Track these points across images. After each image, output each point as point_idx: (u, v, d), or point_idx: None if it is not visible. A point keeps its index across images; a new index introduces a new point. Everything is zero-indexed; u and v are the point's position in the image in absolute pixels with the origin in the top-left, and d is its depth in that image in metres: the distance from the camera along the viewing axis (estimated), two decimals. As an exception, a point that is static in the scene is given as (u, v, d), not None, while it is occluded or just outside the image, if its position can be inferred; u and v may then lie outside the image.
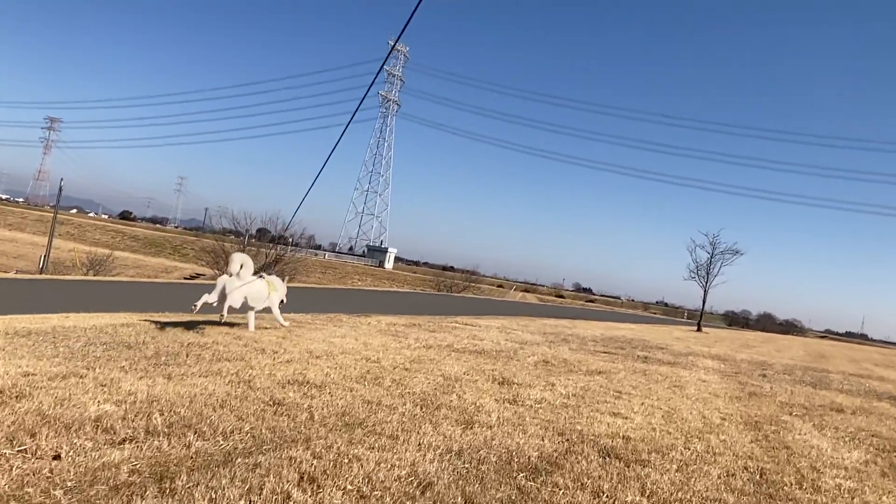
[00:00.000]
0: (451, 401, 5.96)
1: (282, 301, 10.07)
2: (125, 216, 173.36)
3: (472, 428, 5.04)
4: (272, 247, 59.31)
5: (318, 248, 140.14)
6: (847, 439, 6.54)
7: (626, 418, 6.16)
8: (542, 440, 4.93)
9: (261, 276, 9.48)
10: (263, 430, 4.31)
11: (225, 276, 8.90)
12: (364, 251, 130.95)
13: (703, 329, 39.45)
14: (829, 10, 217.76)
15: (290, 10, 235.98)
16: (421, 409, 5.51)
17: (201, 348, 7.33)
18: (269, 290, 9.58)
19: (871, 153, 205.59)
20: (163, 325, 8.87)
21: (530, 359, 10.14)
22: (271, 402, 5.08)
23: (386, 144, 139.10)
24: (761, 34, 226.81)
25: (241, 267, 8.96)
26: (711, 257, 39.17)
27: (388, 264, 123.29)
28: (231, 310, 8.81)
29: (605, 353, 13.06)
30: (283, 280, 10.36)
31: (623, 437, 5.37)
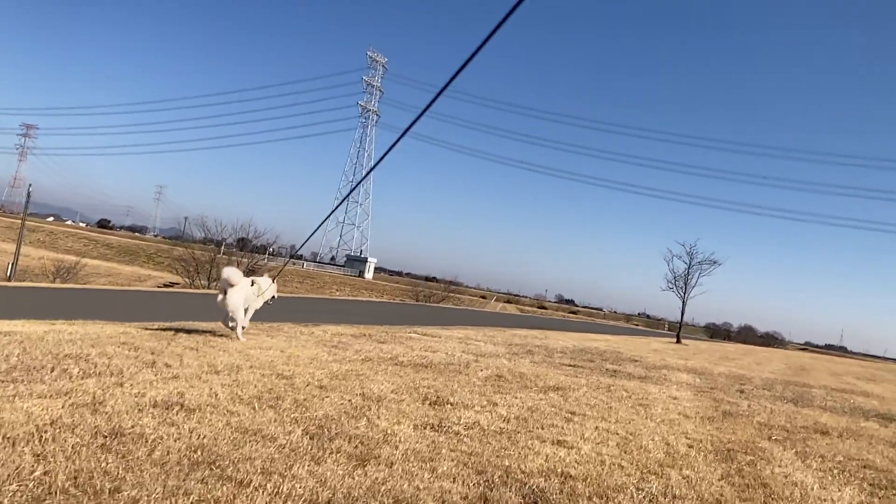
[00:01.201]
0: (357, 428, 4.84)
1: (273, 297, 10.29)
2: (103, 224, 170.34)
3: (364, 466, 3.93)
4: (243, 255, 58.09)
5: (300, 257, 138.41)
6: (836, 472, 5.49)
7: (572, 448, 5.08)
8: (452, 482, 3.83)
9: (252, 283, 9.71)
10: (60, 477, 3.17)
11: (221, 296, 9.09)
12: (344, 261, 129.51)
13: (683, 341, 38.57)
14: (808, 20, 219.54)
15: (269, 20, 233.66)
16: (311, 439, 4.39)
17: (77, 360, 6.17)
18: (258, 294, 9.78)
19: (851, 168, 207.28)
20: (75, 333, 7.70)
21: (481, 373, 9.04)
22: (108, 433, 3.95)
23: (366, 154, 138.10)
24: (737, 46, 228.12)
25: (229, 279, 9.20)
26: (689, 268, 38.36)
27: (368, 274, 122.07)
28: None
29: (570, 366, 11.99)
30: (272, 281, 10.35)
31: (561, 474, 4.28)
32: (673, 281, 38.82)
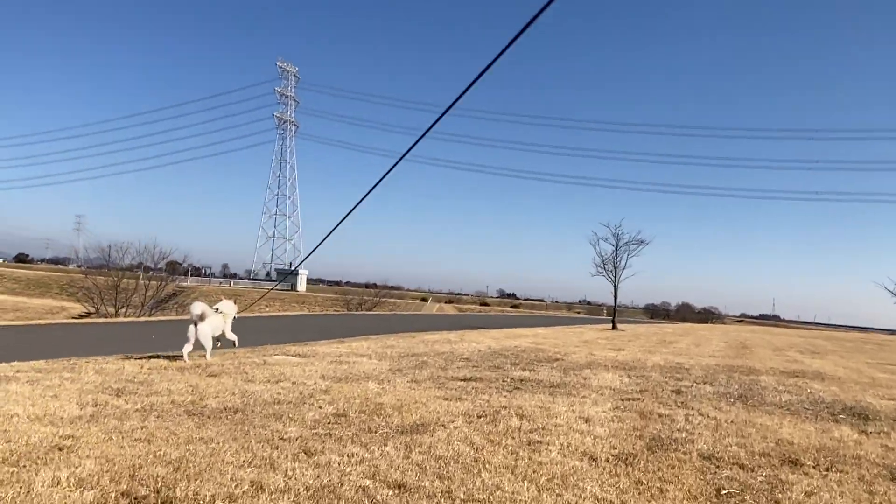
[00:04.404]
0: None
1: (234, 317, 11.25)
2: (21, 259, 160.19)
3: None
4: (150, 278, 53.90)
5: (234, 276, 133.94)
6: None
7: None
8: None
9: (216, 311, 10.66)
10: None
11: (192, 328, 10.06)
12: (270, 274, 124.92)
13: (619, 326, 36.72)
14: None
15: (175, 35, 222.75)
16: None
17: None
18: (224, 319, 10.84)
19: (760, 141, 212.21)
20: None
21: (317, 412, 6.33)
22: None
23: (289, 166, 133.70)
24: (646, 25, 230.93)
25: (202, 313, 10.14)
26: (617, 249, 36.41)
27: (301, 287, 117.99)
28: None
29: (464, 380, 9.38)
30: (234, 302, 11.38)
31: None
32: (601, 265, 36.85)
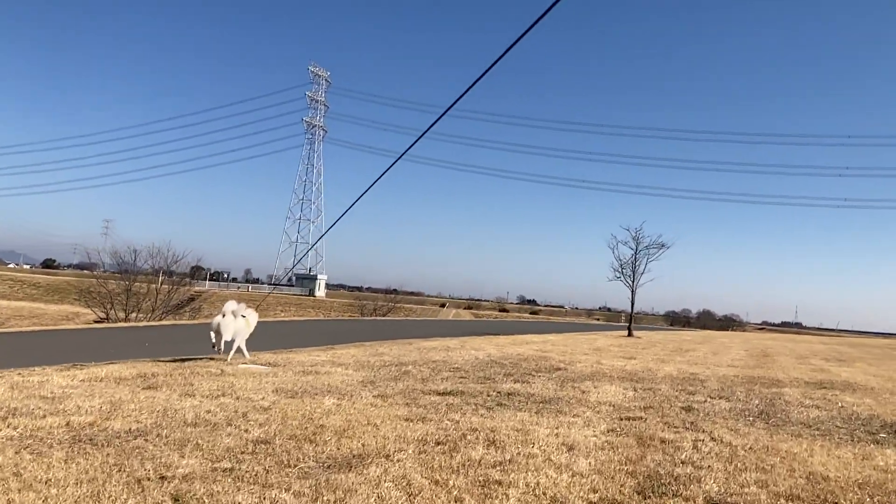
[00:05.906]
0: None
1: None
2: (48, 265, 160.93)
3: None
4: (164, 282, 53.23)
5: (256, 281, 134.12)
6: None
7: None
8: None
9: (243, 317, 10.92)
10: None
11: (219, 318, 10.57)
12: (292, 280, 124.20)
13: (636, 333, 35.18)
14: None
15: (206, 40, 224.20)
16: None
17: None
18: (246, 327, 11.02)
19: (783, 147, 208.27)
20: None
21: (230, 440, 5.17)
22: None
23: (315, 171, 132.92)
24: (661, 30, 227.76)
25: (233, 312, 10.68)
26: (636, 253, 34.88)
27: (319, 292, 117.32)
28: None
29: (441, 394, 8.17)
30: (254, 310, 11.49)
31: None
32: (620, 269, 35.34)
